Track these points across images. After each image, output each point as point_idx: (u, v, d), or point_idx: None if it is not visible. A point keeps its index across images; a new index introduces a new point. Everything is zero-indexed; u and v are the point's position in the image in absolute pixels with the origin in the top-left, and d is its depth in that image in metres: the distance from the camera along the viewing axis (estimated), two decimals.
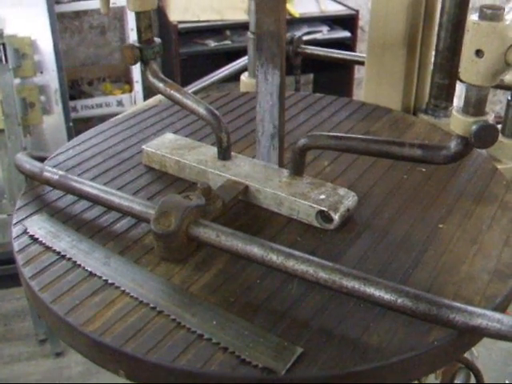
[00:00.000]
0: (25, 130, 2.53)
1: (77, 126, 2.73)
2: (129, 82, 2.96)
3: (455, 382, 1.13)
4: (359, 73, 3.03)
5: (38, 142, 2.62)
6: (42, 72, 2.55)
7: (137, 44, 0.94)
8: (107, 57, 3.08)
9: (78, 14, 2.93)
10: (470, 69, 0.69)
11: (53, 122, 2.63)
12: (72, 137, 2.62)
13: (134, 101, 2.87)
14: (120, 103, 2.88)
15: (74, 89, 2.97)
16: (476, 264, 0.74)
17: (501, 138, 1.13)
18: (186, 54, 2.80)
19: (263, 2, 0.81)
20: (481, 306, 0.66)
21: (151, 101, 1.33)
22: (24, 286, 0.74)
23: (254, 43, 0.84)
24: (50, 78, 2.56)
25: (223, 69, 1.48)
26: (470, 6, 1.12)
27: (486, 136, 0.70)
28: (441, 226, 0.81)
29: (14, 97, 2.39)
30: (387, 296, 0.61)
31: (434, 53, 1.15)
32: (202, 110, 0.89)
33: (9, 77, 2.34)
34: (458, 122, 0.72)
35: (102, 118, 2.73)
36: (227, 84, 2.53)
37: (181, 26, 2.73)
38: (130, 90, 2.91)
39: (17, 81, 2.46)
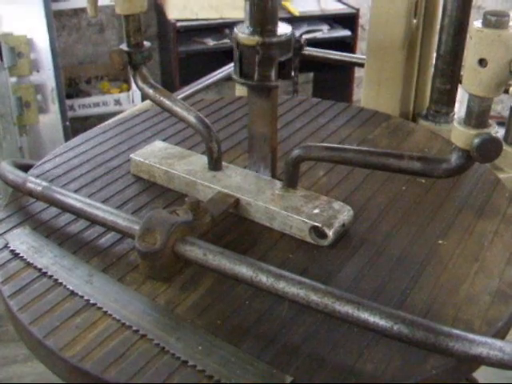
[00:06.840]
0: (21, 130, 2.50)
1: (74, 125, 2.70)
2: (127, 80, 2.92)
3: None
4: (360, 72, 2.98)
5: (35, 142, 2.59)
6: (38, 71, 2.51)
7: (125, 48, 0.91)
8: (105, 55, 3.03)
9: (75, 12, 2.89)
10: (473, 78, 0.65)
11: (49, 121, 2.60)
12: (69, 136, 2.58)
13: (131, 100, 2.83)
14: (118, 102, 2.84)
15: (71, 87, 2.94)
16: (477, 284, 0.70)
17: (503, 146, 1.09)
18: (184, 52, 2.75)
19: (255, 106, 0.82)
20: (481, 332, 0.62)
21: (144, 104, 1.29)
22: (3, 304, 0.71)
23: None
24: (47, 76, 2.52)
25: (219, 71, 1.44)
26: (474, 3, 1.09)
27: (488, 150, 0.66)
28: (440, 241, 0.77)
29: (10, 96, 2.35)
30: (382, 322, 0.58)
31: (435, 56, 1.12)
32: (191, 119, 0.86)
33: (4, 76, 2.30)
34: (459, 134, 0.68)
35: (100, 117, 2.68)
36: (226, 83, 2.49)
37: (179, 24, 2.68)
38: (128, 89, 2.87)
39: (12, 80, 2.42)
